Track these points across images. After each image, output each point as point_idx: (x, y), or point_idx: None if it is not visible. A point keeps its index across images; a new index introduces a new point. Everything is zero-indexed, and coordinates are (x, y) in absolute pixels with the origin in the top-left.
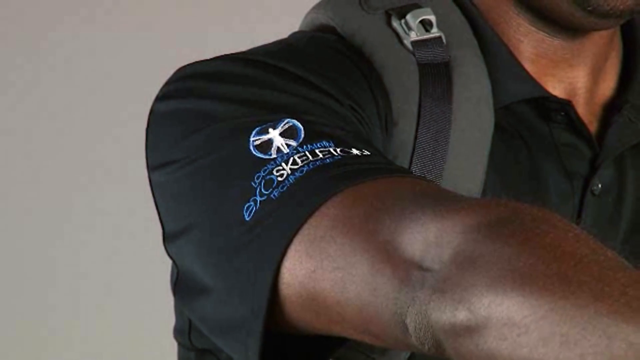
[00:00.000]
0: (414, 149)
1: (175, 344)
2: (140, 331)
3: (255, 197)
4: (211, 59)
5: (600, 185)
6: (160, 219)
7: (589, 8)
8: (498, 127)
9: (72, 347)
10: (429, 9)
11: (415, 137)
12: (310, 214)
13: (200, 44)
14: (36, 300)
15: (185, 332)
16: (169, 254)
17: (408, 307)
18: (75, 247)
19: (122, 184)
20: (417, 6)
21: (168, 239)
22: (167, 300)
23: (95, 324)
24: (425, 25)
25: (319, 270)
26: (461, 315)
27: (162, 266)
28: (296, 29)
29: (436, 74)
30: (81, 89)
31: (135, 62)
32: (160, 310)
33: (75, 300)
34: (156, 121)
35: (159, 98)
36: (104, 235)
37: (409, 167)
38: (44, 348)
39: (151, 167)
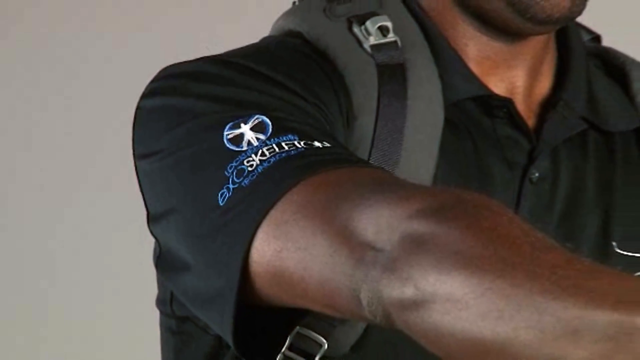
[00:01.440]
0: (373, 141)
1: None
2: (138, 328)
3: (228, 185)
4: (192, 60)
5: (537, 174)
6: (144, 202)
7: (527, 16)
8: (448, 122)
9: (69, 345)
10: (385, 17)
11: (374, 131)
12: (276, 200)
13: (199, 44)
14: (34, 296)
15: (167, 302)
16: (152, 234)
17: (362, 284)
18: (73, 244)
19: (122, 182)
20: (375, 14)
21: (152, 220)
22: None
23: (93, 320)
24: (383, 30)
25: (284, 250)
26: (409, 292)
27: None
28: None
29: (393, 74)
30: (81, 89)
31: (135, 62)
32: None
33: (73, 297)
34: (142, 116)
35: (145, 95)
36: (101, 231)
37: (369, 158)
38: (39, 346)
39: (138, 157)
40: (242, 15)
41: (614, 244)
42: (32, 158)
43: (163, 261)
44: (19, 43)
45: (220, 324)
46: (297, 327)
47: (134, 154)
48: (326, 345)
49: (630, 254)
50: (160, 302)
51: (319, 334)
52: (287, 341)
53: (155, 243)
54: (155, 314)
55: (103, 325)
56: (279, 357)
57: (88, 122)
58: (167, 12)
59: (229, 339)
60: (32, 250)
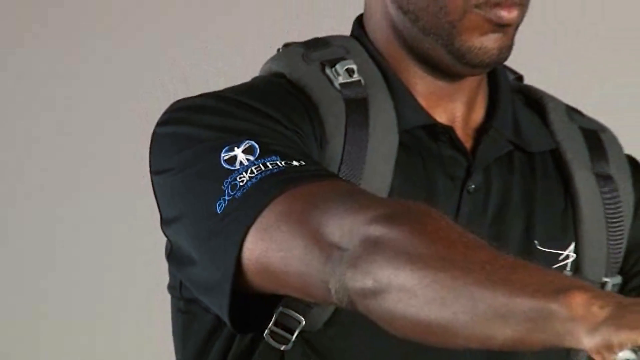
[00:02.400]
0: (341, 160)
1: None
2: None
3: (224, 197)
4: (197, 96)
5: (473, 186)
6: (159, 208)
7: (464, 61)
8: (401, 145)
9: (69, 345)
10: (351, 61)
11: (343, 152)
12: (263, 209)
13: (199, 44)
14: (34, 296)
15: (177, 288)
16: (165, 234)
17: (331, 277)
18: (73, 244)
19: (122, 182)
20: (343, 59)
21: (164, 223)
22: (159, 293)
23: (93, 320)
24: (349, 72)
25: (269, 250)
26: (369, 283)
27: (152, 259)
28: (290, 30)
29: (357, 107)
30: (81, 89)
31: (135, 62)
32: (153, 303)
33: (73, 296)
34: (157, 140)
35: (159, 124)
36: (101, 231)
37: (338, 173)
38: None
39: (153, 172)
40: (242, 15)
41: (535, 242)
42: (32, 158)
43: (174, 256)
44: (19, 43)
45: (219, 307)
46: (281, 308)
47: (150, 170)
48: (304, 322)
49: (549, 250)
50: (171, 288)
51: (298, 313)
52: (273, 319)
53: (167, 241)
54: (154, 313)
55: (103, 325)
56: (266, 331)
57: (88, 122)
58: (167, 12)
59: (226, 319)
60: (32, 250)
